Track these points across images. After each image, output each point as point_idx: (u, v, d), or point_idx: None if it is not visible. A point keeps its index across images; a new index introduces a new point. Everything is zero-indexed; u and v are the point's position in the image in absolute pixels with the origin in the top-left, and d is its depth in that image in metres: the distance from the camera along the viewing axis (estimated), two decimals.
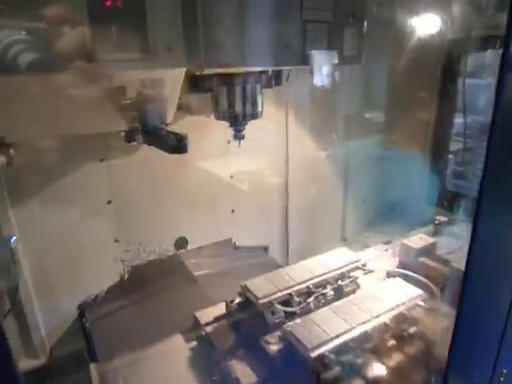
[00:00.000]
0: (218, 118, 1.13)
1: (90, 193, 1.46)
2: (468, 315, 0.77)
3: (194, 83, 1.09)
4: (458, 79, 1.91)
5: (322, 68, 1.05)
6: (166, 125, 1.12)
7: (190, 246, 1.74)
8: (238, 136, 1.16)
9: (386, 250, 1.53)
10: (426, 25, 1.62)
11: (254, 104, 1.08)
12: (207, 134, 1.63)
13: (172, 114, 1.12)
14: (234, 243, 1.85)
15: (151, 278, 1.61)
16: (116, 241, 1.57)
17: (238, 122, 1.11)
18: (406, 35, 1.64)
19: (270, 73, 1.09)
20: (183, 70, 0.99)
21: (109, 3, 0.91)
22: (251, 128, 1.26)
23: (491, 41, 1.63)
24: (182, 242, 1.70)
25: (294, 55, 0.99)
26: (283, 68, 1.15)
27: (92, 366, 1.04)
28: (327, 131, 1.99)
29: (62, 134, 1.12)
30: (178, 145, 0.99)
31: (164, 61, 0.89)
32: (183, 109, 1.26)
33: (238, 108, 1.06)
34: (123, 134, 1.18)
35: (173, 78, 1.01)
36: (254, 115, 1.11)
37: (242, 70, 0.99)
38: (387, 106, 2.07)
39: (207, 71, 0.96)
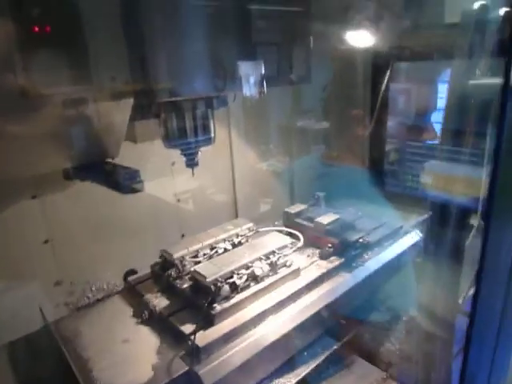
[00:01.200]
0: (169, 146, 1.06)
1: (21, 234, 1.31)
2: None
3: (139, 109, 1.02)
4: (387, 85, 2.03)
5: (250, 78, 1.05)
6: (113, 158, 1.03)
7: None
8: (191, 163, 1.11)
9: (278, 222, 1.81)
10: (357, 38, 1.70)
11: (207, 130, 1.03)
12: (150, 156, 1.54)
13: (120, 147, 1.03)
14: None
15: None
16: (57, 284, 1.42)
17: (190, 150, 1.05)
18: (340, 47, 1.70)
19: (220, 96, 1.05)
20: (131, 101, 0.91)
21: (37, 28, 0.82)
22: None
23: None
24: (131, 275, 1.57)
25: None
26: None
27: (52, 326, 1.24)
28: (266, 142, 2.00)
29: None
30: (131, 185, 0.90)
31: (108, 91, 0.81)
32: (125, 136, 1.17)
33: (190, 135, 1.00)
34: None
35: (120, 109, 0.93)
36: (207, 141, 1.06)
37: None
38: (323, 115, 2.13)
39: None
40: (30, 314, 1.33)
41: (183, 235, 1.73)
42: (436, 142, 2.07)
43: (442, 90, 1.93)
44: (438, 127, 2.03)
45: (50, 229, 1.37)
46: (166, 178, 1.64)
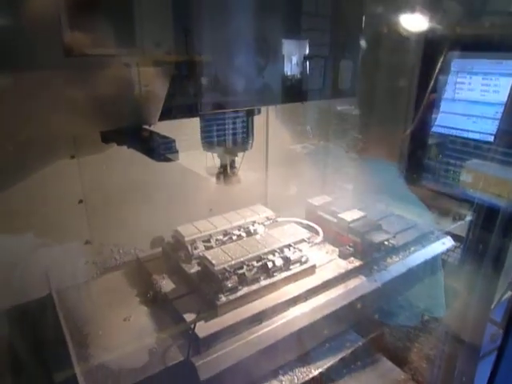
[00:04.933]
0: (207, 149, 1.05)
1: (59, 192, 1.37)
2: None
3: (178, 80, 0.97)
4: (437, 75, 1.89)
5: (292, 57, 1.02)
6: (150, 125, 1.01)
7: None
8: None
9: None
10: (409, 21, 1.55)
11: (245, 138, 1.01)
12: (186, 128, 1.54)
13: (158, 115, 1.00)
14: None
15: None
16: (87, 242, 1.50)
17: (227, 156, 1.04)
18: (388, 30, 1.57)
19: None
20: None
21: None
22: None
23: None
24: (158, 242, 1.65)
25: (292, 92, 0.93)
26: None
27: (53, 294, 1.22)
28: (303, 124, 1.94)
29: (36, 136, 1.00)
30: (166, 154, 0.90)
31: (151, 57, 0.80)
32: None
33: (228, 144, 0.98)
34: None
35: (162, 75, 0.90)
36: (245, 148, 1.05)
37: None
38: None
39: None
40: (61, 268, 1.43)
41: (211, 210, 1.76)
42: (483, 139, 1.96)
43: (498, 84, 1.79)
44: (488, 125, 1.91)
45: (85, 190, 1.43)
46: (200, 151, 1.64)
